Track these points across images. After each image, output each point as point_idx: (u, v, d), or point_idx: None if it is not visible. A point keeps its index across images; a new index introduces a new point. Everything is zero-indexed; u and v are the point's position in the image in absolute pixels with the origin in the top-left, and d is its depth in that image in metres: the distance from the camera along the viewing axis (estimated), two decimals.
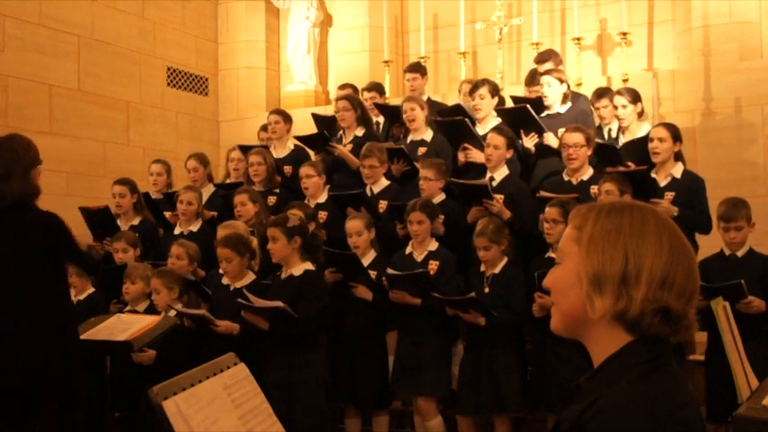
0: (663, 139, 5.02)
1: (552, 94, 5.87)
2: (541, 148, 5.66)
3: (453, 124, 5.75)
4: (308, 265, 4.50)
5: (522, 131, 5.66)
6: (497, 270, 4.62)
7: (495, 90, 6.06)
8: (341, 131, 6.47)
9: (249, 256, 4.74)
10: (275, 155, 6.65)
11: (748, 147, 6.98)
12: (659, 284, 1.31)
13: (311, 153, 6.65)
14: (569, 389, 4.29)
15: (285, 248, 4.44)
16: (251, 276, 4.69)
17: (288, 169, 6.40)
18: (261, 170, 6.17)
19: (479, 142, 5.62)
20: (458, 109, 6.15)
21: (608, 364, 1.34)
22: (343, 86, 7.30)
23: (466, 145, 5.67)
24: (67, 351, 3.60)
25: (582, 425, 1.27)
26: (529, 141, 5.64)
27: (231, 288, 4.69)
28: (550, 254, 4.56)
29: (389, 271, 4.76)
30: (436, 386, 4.71)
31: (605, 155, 5.34)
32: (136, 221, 5.99)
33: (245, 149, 6.65)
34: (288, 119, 6.80)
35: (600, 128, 6.08)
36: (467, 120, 5.78)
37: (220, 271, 4.77)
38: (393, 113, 6.37)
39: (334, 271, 4.88)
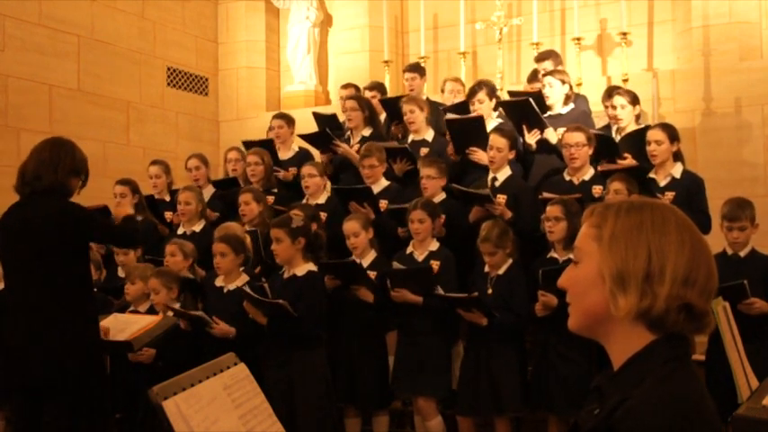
0: (660, 142, 5.01)
1: (554, 95, 5.86)
2: (541, 144, 5.66)
3: (468, 122, 5.69)
4: (311, 266, 4.50)
5: (524, 126, 5.63)
6: (501, 271, 4.61)
7: (492, 92, 6.04)
8: (348, 132, 6.46)
9: (244, 257, 4.75)
10: (280, 156, 6.66)
11: (748, 147, 6.98)
12: (682, 282, 1.30)
13: (315, 153, 6.65)
14: (570, 388, 4.31)
15: (289, 249, 4.45)
16: (245, 278, 4.69)
17: (293, 170, 6.39)
18: (258, 170, 6.17)
19: (487, 142, 5.58)
20: (464, 106, 6.12)
21: (632, 364, 1.33)
22: (345, 86, 7.29)
23: (473, 148, 5.64)
24: (83, 348, 3.61)
25: (610, 426, 1.26)
26: (531, 137, 5.63)
27: (225, 290, 4.69)
28: (552, 253, 4.56)
29: (394, 265, 4.75)
30: (436, 386, 4.70)
31: (602, 146, 5.35)
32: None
33: (249, 145, 6.65)
34: (291, 122, 6.83)
35: (609, 127, 6.08)
36: (482, 117, 5.75)
37: (215, 270, 4.78)
38: (396, 108, 6.34)
39: (334, 277, 4.87)
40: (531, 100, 5.57)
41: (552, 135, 5.60)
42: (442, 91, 6.84)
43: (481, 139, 5.59)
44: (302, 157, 6.58)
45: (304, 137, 6.56)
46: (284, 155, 6.71)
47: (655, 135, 5.04)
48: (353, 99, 6.40)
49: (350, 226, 4.99)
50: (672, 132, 5.06)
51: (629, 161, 5.27)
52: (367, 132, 6.31)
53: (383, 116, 6.84)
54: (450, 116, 5.82)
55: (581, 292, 1.39)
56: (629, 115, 5.67)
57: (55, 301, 3.55)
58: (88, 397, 3.63)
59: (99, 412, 3.77)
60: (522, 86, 7.19)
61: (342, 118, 6.65)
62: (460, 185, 5.40)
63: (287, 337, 4.36)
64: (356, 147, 6.20)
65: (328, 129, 6.38)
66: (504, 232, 4.59)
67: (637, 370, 1.31)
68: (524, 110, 5.61)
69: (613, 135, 5.91)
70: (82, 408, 3.61)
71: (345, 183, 6.10)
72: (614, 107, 5.72)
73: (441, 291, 4.55)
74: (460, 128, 5.71)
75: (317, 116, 6.90)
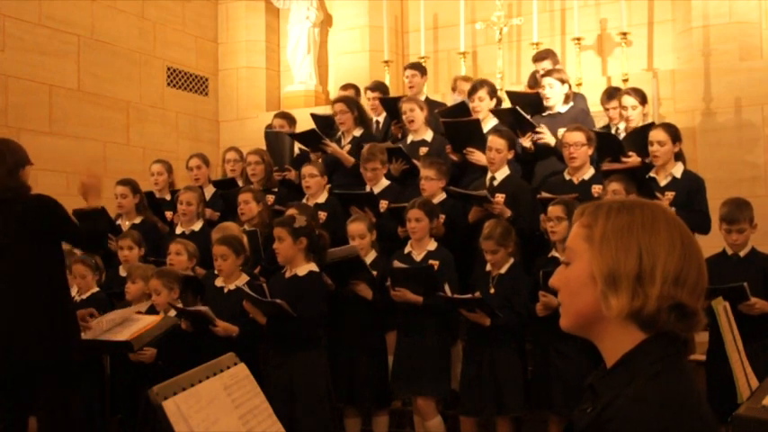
0: (663, 143, 5.01)
1: (554, 95, 5.86)
2: (540, 147, 5.67)
3: (464, 125, 5.71)
4: (313, 267, 4.49)
5: (518, 131, 5.65)
6: (503, 271, 4.61)
7: (493, 91, 6.06)
8: (340, 132, 6.47)
9: (244, 258, 4.75)
10: None
11: (748, 147, 6.98)
12: (673, 281, 1.31)
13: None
14: (571, 388, 4.31)
15: (291, 249, 4.45)
16: (245, 278, 4.69)
17: (293, 173, 6.40)
18: (258, 170, 6.18)
19: (485, 143, 5.60)
20: (463, 107, 6.12)
21: (624, 363, 1.33)
22: (345, 86, 7.30)
23: (470, 149, 5.65)
24: (66, 338, 3.63)
25: (601, 423, 1.26)
26: (526, 141, 5.64)
27: (225, 290, 4.69)
28: (554, 253, 4.56)
29: (396, 264, 4.75)
30: (436, 386, 4.70)
31: (607, 145, 5.35)
32: (137, 221, 5.99)
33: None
34: (292, 121, 6.85)
35: (608, 127, 6.08)
36: (479, 120, 5.76)
37: (215, 272, 4.78)
38: (396, 108, 6.35)
39: (333, 276, 4.86)
40: (518, 108, 5.59)
41: (549, 137, 5.61)
42: (453, 89, 6.84)
43: (478, 140, 5.61)
44: (302, 158, 6.61)
45: (294, 136, 6.59)
46: None
47: (657, 135, 5.04)
48: (342, 101, 6.44)
49: (356, 227, 5.00)
50: (674, 133, 5.06)
51: (633, 159, 5.27)
52: (358, 133, 6.35)
53: (383, 116, 6.85)
54: (446, 118, 5.84)
55: (573, 292, 1.39)
56: (639, 115, 5.66)
57: (28, 294, 3.58)
58: (76, 388, 3.66)
59: (94, 403, 3.79)
60: (522, 87, 7.19)
61: None
62: (461, 185, 5.41)
63: (287, 338, 4.36)
64: (347, 147, 6.23)
65: (322, 128, 6.39)
66: (507, 231, 4.59)
67: (628, 369, 1.32)
68: (514, 116, 5.62)
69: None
70: (72, 407, 3.64)
71: (337, 182, 6.09)
72: (624, 108, 5.70)
73: (448, 291, 4.55)
74: (457, 129, 5.72)
75: (315, 117, 6.91)
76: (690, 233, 1.37)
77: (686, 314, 1.32)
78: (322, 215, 5.64)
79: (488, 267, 4.66)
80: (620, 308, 1.31)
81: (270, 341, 4.45)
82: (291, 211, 4.97)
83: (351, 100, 6.53)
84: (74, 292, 5.02)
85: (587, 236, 1.37)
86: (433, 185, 5.28)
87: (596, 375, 1.40)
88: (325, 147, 6.22)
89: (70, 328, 3.70)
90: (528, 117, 5.62)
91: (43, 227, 3.64)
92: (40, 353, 3.54)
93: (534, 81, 6.54)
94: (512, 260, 4.63)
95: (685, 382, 1.30)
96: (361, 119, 6.40)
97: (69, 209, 3.85)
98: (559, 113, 5.88)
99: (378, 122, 6.93)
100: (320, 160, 6.32)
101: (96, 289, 5.12)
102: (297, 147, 6.78)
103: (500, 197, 5.10)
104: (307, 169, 5.85)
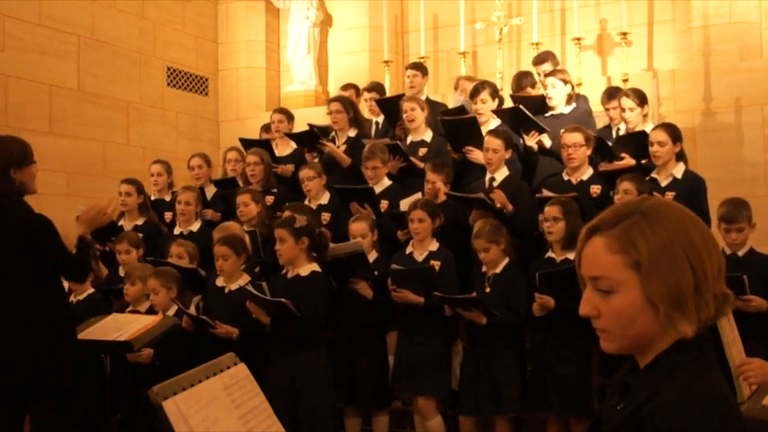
0: (663, 143, 5.00)
1: (557, 96, 5.86)
2: (541, 147, 5.68)
3: (462, 123, 5.71)
4: (315, 267, 4.50)
5: (522, 130, 5.66)
6: (498, 270, 4.61)
7: (495, 92, 6.06)
8: (333, 133, 6.48)
9: (245, 258, 4.75)
10: (277, 153, 6.68)
11: (748, 147, 6.98)
12: (717, 277, 1.32)
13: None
14: (569, 389, 4.31)
15: (293, 249, 4.45)
16: (246, 278, 4.69)
17: (290, 167, 6.40)
18: (258, 170, 6.17)
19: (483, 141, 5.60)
20: (463, 111, 6.13)
21: (660, 361, 1.33)
22: (345, 87, 7.31)
23: (468, 147, 5.65)
24: (61, 347, 3.62)
25: (639, 420, 1.26)
26: (531, 140, 5.64)
27: (226, 290, 4.69)
28: (550, 254, 4.56)
29: (393, 266, 4.75)
30: (436, 386, 4.71)
31: (597, 150, 5.37)
32: (140, 222, 5.99)
33: (246, 143, 6.66)
34: (291, 118, 6.88)
35: (609, 128, 6.07)
36: (476, 118, 5.76)
37: (217, 272, 4.78)
38: (392, 107, 6.34)
39: (334, 278, 4.86)
40: (521, 107, 5.59)
41: (546, 140, 5.61)
42: (455, 89, 6.84)
43: (476, 139, 5.61)
44: (299, 155, 6.61)
45: (291, 136, 6.60)
46: (282, 151, 6.75)
47: (657, 136, 5.03)
48: (338, 101, 6.44)
49: (358, 227, 5.00)
50: (674, 133, 5.05)
51: (626, 161, 5.28)
52: (352, 133, 6.35)
53: (381, 118, 6.85)
54: (444, 117, 5.83)
55: (628, 321, 1.34)
56: (638, 117, 5.63)
57: (26, 303, 3.56)
58: (73, 397, 3.64)
59: (90, 411, 3.77)
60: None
61: None
62: (461, 185, 5.42)
63: (289, 337, 4.36)
64: (342, 148, 6.24)
65: (316, 129, 6.39)
66: (497, 227, 4.59)
67: (665, 366, 1.31)
68: (519, 116, 5.62)
69: (614, 136, 5.92)
70: (69, 408, 3.62)
71: (334, 182, 6.11)
72: (623, 110, 5.69)
73: (438, 294, 4.55)
74: (455, 128, 5.72)
75: (312, 128, 6.89)
76: (697, 217, 1.37)
77: (728, 298, 1.33)
78: (326, 216, 5.63)
79: (484, 268, 4.66)
80: (693, 328, 1.30)
81: (272, 341, 4.45)
82: (290, 212, 4.96)
83: (347, 100, 6.53)
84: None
85: (629, 263, 1.32)
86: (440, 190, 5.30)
87: (627, 373, 1.39)
88: (322, 146, 6.23)
89: (51, 341, 3.64)
90: (532, 117, 5.61)
91: (29, 246, 3.56)
92: (21, 370, 3.52)
93: (518, 85, 6.48)
94: (507, 259, 4.63)
95: (724, 383, 1.31)
96: (356, 119, 6.40)
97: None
98: (562, 114, 5.88)
99: (377, 123, 6.93)
100: (316, 160, 6.32)
101: (92, 290, 5.11)
102: (294, 143, 6.77)
103: (501, 194, 5.10)
104: (304, 172, 5.83)
